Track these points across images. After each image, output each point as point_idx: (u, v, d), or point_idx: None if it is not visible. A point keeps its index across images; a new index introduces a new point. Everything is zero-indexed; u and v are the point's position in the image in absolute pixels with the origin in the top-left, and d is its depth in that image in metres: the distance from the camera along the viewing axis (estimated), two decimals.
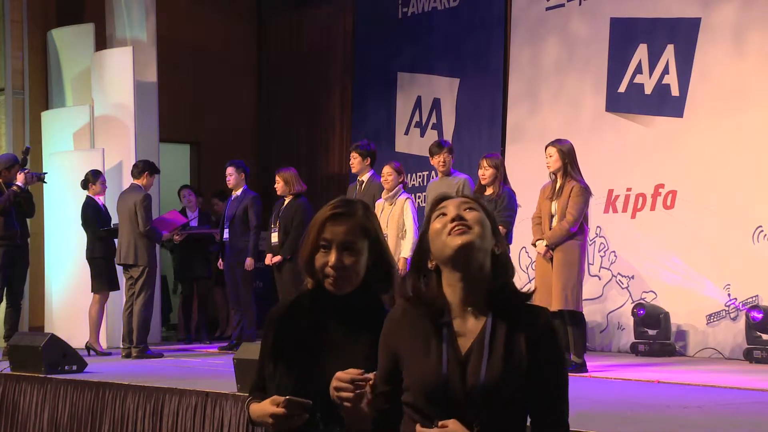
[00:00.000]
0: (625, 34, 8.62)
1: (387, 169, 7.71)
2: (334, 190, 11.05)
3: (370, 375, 2.09)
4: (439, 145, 7.50)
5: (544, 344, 2.06)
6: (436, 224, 2.12)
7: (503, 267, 2.12)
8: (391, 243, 7.59)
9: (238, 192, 8.91)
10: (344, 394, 2.08)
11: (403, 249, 7.57)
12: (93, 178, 8.96)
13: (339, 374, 2.11)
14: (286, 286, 8.45)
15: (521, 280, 9.03)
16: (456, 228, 2.07)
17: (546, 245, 6.58)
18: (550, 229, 6.62)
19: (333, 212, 2.36)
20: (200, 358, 8.43)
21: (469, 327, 2.09)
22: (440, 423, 1.97)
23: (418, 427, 2.02)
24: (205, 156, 12.00)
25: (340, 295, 2.35)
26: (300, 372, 2.29)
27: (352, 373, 2.10)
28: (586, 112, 8.89)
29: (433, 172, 8.95)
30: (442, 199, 2.16)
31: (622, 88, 8.63)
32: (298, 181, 8.57)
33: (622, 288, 8.39)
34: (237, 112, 12.17)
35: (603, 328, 8.47)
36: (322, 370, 2.24)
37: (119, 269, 8.78)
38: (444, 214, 2.11)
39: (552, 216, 6.63)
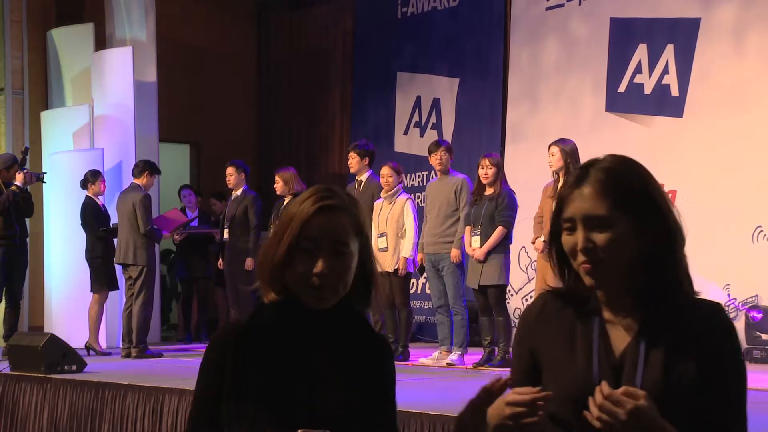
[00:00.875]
0: (625, 34, 8.62)
1: (386, 170, 7.71)
2: None
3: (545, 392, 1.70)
4: (437, 144, 7.50)
5: (716, 348, 1.72)
6: (566, 240, 1.79)
7: (664, 261, 1.76)
8: (390, 243, 7.61)
9: (238, 192, 8.90)
10: (528, 420, 1.67)
11: (403, 249, 7.57)
12: (92, 178, 8.97)
13: (514, 396, 1.70)
14: None
15: (520, 281, 9.04)
16: (584, 266, 1.75)
17: (544, 241, 6.59)
18: None
19: (321, 204, 1.86)
20: (199, 357, 8.33)
21: (623, 323, 1.78)
22: None
23: None
24: (204, 156, 12.01)
25: (318, 311, 1.86)
26: (281, 410, 1.79)
27: (529, 391, 1.69)
28: (585, 112, 8.88)
29: (432, 172, 8.95)
30: (564, 198, 1.80)
31: (621, 88, 8.63)
32: (297, 181, 8.56)
33: None
34: (237, 112, 12.17)
35: None
36: (311, 406, 1.80)
37: (118, 269, 8.77)
38: (571, 229, 1.78)
39: None
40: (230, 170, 8.89)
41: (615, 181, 1.76)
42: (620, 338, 1.78)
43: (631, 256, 1.76)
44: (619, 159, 1.80)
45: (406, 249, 7.53)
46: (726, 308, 1.49)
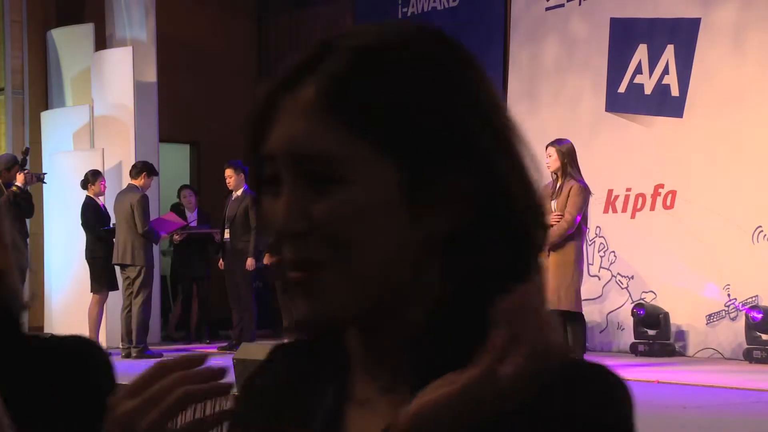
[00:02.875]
0: (625, 35, 8.62)
1: None
2: None
3: None
4: None
5: None
6: (267, 210, 0.82)
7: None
8: None
9: (239, 192, 8.93)
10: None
11: None
12: (92, 179, 8.99)
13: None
14: None
15: None
16: (291, 274, 0.79)
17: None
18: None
19: None
20: None
21: (381, 403, 0.81)
22: None
23: None
24: (204, 156, 12.00)
25: None
26: None
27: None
28: (585, 112, 8.88)
29: None
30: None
31: (622, 88, 8.62)
32: None
33: (622, 288, 8.38)
34: (237, 112, 11.93)
35: (602, 328, 8.47)
36: None
37: (117, 269, 8.79)
38: (274, 186, 0.81)
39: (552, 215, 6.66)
40: (229, 172, 8.93)
41: (364, 80, 0.78)
42: None
43: (403, 251, 0.77)
44: (396, 29, 0.84)
45: None
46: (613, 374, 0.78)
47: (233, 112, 12.01)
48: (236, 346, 8.10)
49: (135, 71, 9.96)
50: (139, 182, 8.58)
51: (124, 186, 9.34)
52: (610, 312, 8.43)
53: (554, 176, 6.73)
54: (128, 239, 8.41)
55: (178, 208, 10.85)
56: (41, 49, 10.93)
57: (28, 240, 8.86)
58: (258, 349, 5.52)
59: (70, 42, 10.66)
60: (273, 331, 10.27)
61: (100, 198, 9.06)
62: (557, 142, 6.76)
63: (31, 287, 10.15)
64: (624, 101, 8.60)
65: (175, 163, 11.82)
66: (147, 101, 10.21)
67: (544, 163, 6.77)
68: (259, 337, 9.27)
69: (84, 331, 8.85)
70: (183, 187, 10.81)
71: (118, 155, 9.92)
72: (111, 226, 8.94)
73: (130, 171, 8.72)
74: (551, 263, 6.53)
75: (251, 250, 8.73)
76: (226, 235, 8.89)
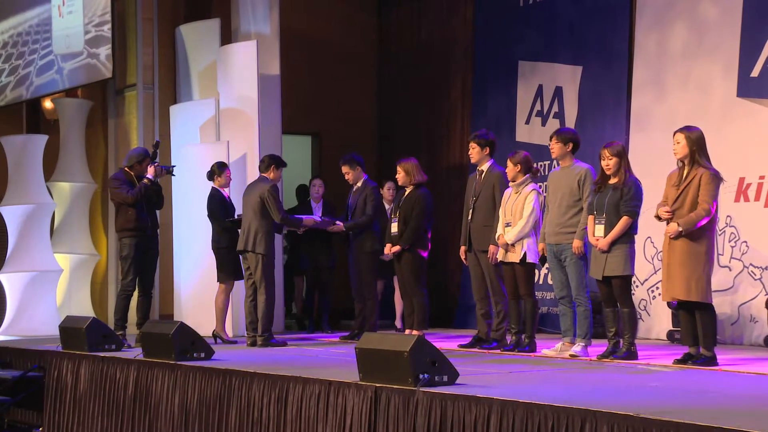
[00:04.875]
0: (759, 15, 8.29)
1: (509, 163, 7.74)
2: (454, 180, 11.06)
3: None
4: (554, 133, 7.44)
5: None
6: None
7: None
8: (515, 233, 7.59)
9: (359, 183, 9.06)
10: None
11: (508, 233, 7.57)
12: (218, 170, 9.10)
13: None
14: (405, 277, 8.50)
15: (646, 272, 8.85)
16: None
17: (680, 229, 6.41)
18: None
19: None
20: (323, 347, 8.50)
21: None
22: None
23: None
24: (326, 147, 12.06)
25: None
26: None
27: None
28: (715, 98, 8.61)
29: (555, 162, 8.83)
30: None
31: (755, 72, 8.32)
32: (419, 171, 8.59)
33: (755, 279, 8.10)
34: (357, 103, 12.21)
35: (734, 320, 8.21)
36: None
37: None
38: None
39: (680, 204, 6.50)
40: (345, 169, 9.06)
41: None
42: None
43: None
44: None
45: (511, 234, 7.53)
46: None
47: (354, 103, 12.19)
48: (358, 336, 8.23)
49: (259, 64, 10.05)
50: (269, 174, 8.70)
51: (249, 177, 9.46)
52: (741, 304, 8.16)
53: (680, 164, 6.58)
54: (253, 227, 8.51)
55: (304, 196, 10.97)
56: (170, 46, 11.14)
57: (158, 231, 9.07)
58: (380, 339, 5.54)
59: (197, 37, 10.84)
60: (392, 321, 10.31)
61: (226, 189, 9.17)
62: (686, 129, 6.59)
63: (162, 276, 10.44)
64: (757, 86, 8.28)
65: (297, 154, 11.91)
66: (270, 94, 10.30)
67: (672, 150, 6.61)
68: (380, 328, 9.33)
69: (211, 319, 9.07)
70: (314, 177, 10.88)
71: (243, 147, 10.03)
72: (236, 216, 9.04)
73: (260, 164, 8.83)
74: (682, 252, 6.41)
75: (369, 241, 8.84)
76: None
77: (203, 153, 9.97)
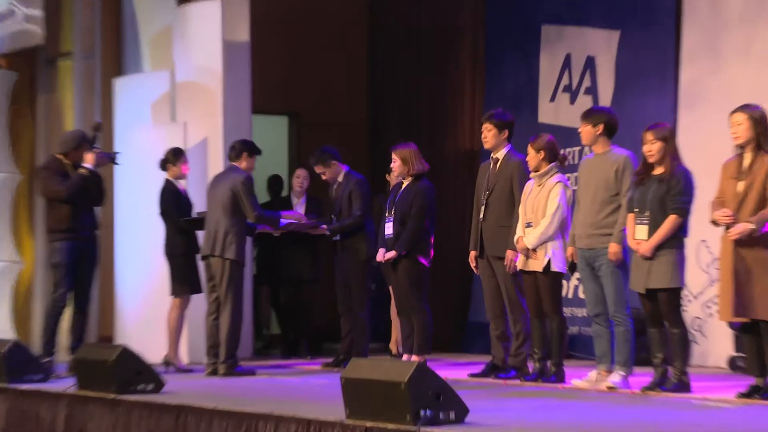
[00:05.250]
0: None
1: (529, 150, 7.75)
2: (462, 169, 11.08)
3: None
4: (585, 113, 7.46)
5: None
6: None
7: None
8: (537, 235, 7.61)
9: (340, 178, 9.16)
10: None
11: (528, 235, 7.60)
12: (174, 158, 9.08)
13: None
14: (402, 289, 8.50)
15: (700, 283, 8.87)
16: None
17: (752, 227, 6.35)
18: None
19: None
20: (300, 376, 8.51)
21: None
22: None
23: None
24: (305, 130, 12.07)
25: None
26: None
27: None
28: None
29: (587, 149, 8.75)
30: None
31: None
32: (418, 159, 8.59)
33: None
34: (344, 76, 12.23)
35: None
36: None
37: (202, 267, 8.85)
38: None
39: (741, 199, 6.48)
40: (318, 169, 9.19)
41: None
42: None
43: None
44: None
45: (530, 237, 7.56)
46: None
47: (339, 76, 12.15)
48: (345, 363, 8.18)
49: (224, 29, 10.06)
50: (240, 164, 8.70)
51: (211, 167, 9.47)
52: None
53: (739, 150, 6.58)
54: (222, 227, 8.50)
55: (277, 189, 10.93)
56: (115, 6, 11.17)
57: (97, 233, 8.98)
58: (371, 367, 5.52)
59: None
60: (386, 344, 10.29)
61: (182, 182, 9.16)
62: (747, 108, 6.58)
63: (101, 289, 10.35)
64: None
65: (270, 138, 11.90)
66: (238, 65, 10.28)
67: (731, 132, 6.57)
68: (372, 352, 9.35)
69: (162, 342, 9.01)
70: (297, 166, 10.88)
71: (204, 130, 10.04)
72: (195, 215, 9.04)
73: (229, 152, 8.83)
74: (752, 260, 6.39)
75: (359, 246, 8.92)
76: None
77: (155, 137, 9.95)
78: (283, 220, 8.97)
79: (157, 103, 10.40)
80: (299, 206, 10.23)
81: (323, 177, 9.23)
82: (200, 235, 8.88)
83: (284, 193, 10.93)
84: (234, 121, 10.03)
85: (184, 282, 8.95)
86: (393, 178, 9.25)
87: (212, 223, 8.60)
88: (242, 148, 8.76)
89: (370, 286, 9.25)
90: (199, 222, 8.82)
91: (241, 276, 8.61)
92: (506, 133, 8.06)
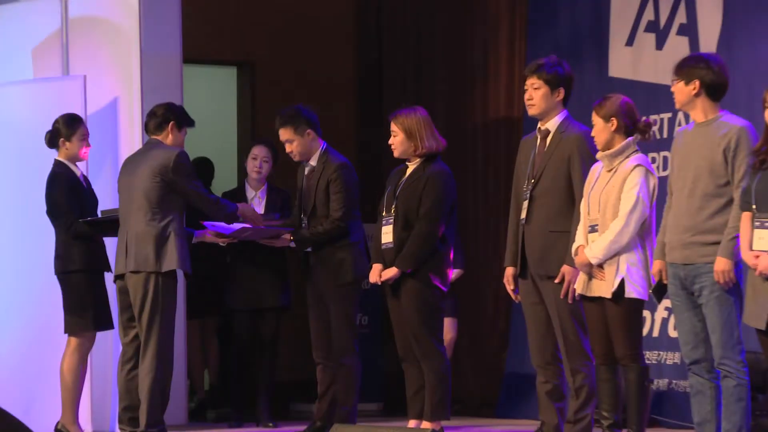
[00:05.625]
0: None
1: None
2: (495, 147, 11.15)
3: None
4: (678, 65, 7.46)
5: None
6: None
7: None
8: (606, 244, 7.62)
9: (314, 160, 9.22)
10: None
11: (593, 244, 7.64)
12: (67, 131, 9.10)
13: None
14: (408, 324, 8.56)
15: None
16: None
17: None
18: None
19: None
20: None
21: None
22: None
23: None
24: (263, 88, 12.15)
25: None
26: None
27: None
28: None
29: (681, 116, 8.74)
30: None
31: None
32: (430, 132, 8.65)
33: None
34: (322, 12, 12.22)
35: None
36: None
37: (112, 290, 8.83)
38: None
39: None
40: (285, 134, 9.19)
41: None
42: None
43: None
44: None
45: (596, 248, 7.60)
46: None
47: (316, 12, 12.13)
48: (323, 430, 8.15)
49: None
50: (165, 138, 8.69)
51: (122, 142, 9.38)
52: None
53: None
54: (144, 232, 8.46)
55: (206, 180, 10.97)
56: None
57: None
58: None
59: None
60: (385, 405, 10.30)
61: (80, 165, 9.17)
62: None
63: None
64: None
65: (211, 99, 12.00)
66: None
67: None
68: (362, 416, 9.39)
69: (54, 403, 9.02)
70: (257, 142, 10.73)
71: (111, 87, 10.07)
72: (99, 214, 9.05)
73: (147, 122, 8.81)
74: None
75: (345, 260, 8.97)
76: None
77: (39, 97, 9.93)
78: (234, 224, 8.99)
79: (41, 48, 10.44)
80: (257, 202, 10.22)
81: (288, 149, 9.19)
82: (110, 243, 8.88)
83: (220, 185, 10.92)
84: (156, 74, 10.08)
85: (84, 313, 8.93)
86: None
87: (131, 227, 8.56)
88: (167, 115, 8.71)
89: (357, 319, 9.25)
90: (108, 224, 8.81)
91: (173, 302, 8.55)
92: (561, 93, 8.04)
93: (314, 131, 9.18)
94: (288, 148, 9.20)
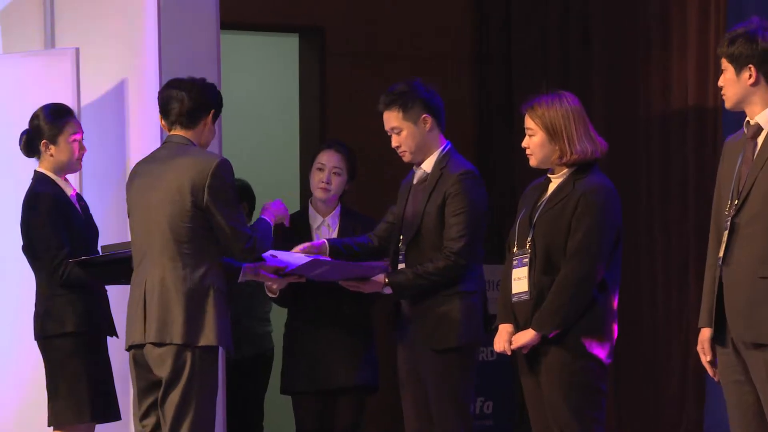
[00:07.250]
0: None
1: None
2: (675, 150, 11.69)
3: None
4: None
5: None
6: None
7: None
8: None
9: (428, 165, 9.33)
10: None
11: None
12: (51, 128, 9.24)
13: None
14: (552, 409, 8.58)
15: None
16: None
17: None
18: None
19: None
20: None
21: None
22: None
23: None
24: (336, 66, 12.40)
25: None
26: None
27: None
28: None
29: None
30: None
31: None
32: (583, 131, 8.65)
33: None
34: None
35: None
36: None
37: (123, 359, 8.79)
38: None
39: None
40: (391, 120, 9.23)
41: None
42: None
43: None
44: None
45: None
46: None
47: None
48: None
49: None
50: (186, 133, 8.62)
51: (132, 141, 9.41)
52: None
53: None
54: (170, 285, 8.42)
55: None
56: None
57: None
58: None
59: None
60: None
61: (69, 179, 9.30)
62: None
63: None
64: None
65: (262, 78, 12.20)
66: None
67: None
68: None
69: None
70: (325, 146, 10.68)
71: (117, 64, 10.21)
72: (99, 250, 9.16)
73: (168, 109, 8.70)
74: None
75: (454, 314, 9.00)
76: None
77: (6, 80, 10.12)
78: (300, 256, 8.93)
79: (11, 11, 10.68)
80: (325, 232, 10.21)
81: (395, 143, 9.19)
82: (116, 294, 8.93)
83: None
84: (182, 49, 10.24)
85: (76, 397, 9.00)
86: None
87: (147, 270, 8.50)
88: (206, 101, 8.64)
89: (470, 404, 9.38)
90: (112, 266, 8.91)
91: (213, 387, 8.55)
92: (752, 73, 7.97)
93: (434, 119, 9.14)
94: (395, 141, 9.17)
